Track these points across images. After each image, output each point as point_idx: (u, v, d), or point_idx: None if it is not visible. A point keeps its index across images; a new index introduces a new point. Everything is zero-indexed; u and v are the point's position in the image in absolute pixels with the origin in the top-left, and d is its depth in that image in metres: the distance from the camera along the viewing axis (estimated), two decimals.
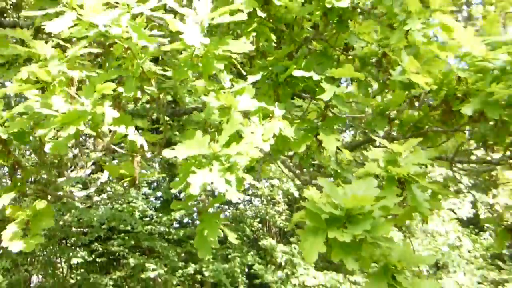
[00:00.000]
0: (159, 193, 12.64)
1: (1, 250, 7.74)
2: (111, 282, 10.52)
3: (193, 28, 1.77)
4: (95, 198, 12.36)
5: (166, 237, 11.53)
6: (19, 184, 2.38)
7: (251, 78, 2.31)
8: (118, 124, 1.88)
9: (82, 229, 11.35)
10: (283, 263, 10.67)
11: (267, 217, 12.70)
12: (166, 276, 10.83)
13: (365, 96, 2.59)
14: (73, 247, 11.59)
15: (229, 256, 11.30)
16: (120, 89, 1.91)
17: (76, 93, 1.86)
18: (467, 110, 2.09)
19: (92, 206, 12.08)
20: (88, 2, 1.85)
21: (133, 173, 2.28)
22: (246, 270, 11.16)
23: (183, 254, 11.68)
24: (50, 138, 1.93)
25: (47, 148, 1.81)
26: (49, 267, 10.88)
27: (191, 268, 11.01)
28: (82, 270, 11.69)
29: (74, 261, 10.95)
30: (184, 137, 1.90)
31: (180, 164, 1.93)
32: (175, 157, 1.78)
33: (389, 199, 1.97)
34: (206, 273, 10.73)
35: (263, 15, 2.34)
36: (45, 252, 10.02)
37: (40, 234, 2.34)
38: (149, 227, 11.15)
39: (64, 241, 11.76)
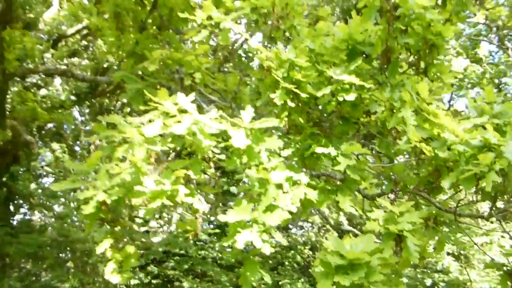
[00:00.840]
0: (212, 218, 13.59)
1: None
2: None
3: (239, 134, 2.61)
4: (152, 224, 13.56)
5: (218, 262, 12.40)
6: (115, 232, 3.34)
7: (284, 153, 3.13)
8: (188, 196, 2.76)
9: (140, 251, 12.39)
10: None
11: (318, 245, 13.24)
12: None
13: (376, 161, 3.30)
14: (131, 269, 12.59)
15: (280, 283, 11.94)
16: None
17: (159, 175, 2.77)
18: (445, 183, 2.74)
19: (150, 231, 13.27)
20: (170, 108, 2.77)
21: (196, 228, 3.15)
22: None
23: (234, 279, 12.46)
24: (140, 205, 2.85)
25: (141, 213, 2.70)
26: None
27: None
28: None
29: (132, 282, 11.89)
30: (235, 205, 2.75)
31: (230, 224, 2.76)
32: (227, 221, 2.62)
33: (386, 251, 2.68)
34: None
35: (292, 104, 3.15)
36: None
37: (129, 270, 3.27)
38: (202, 252, 12.09)
39: None
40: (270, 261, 12.58)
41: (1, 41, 5.94)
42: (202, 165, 2.82)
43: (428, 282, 12.16)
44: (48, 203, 10.46)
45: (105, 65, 9.63)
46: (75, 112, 11.77)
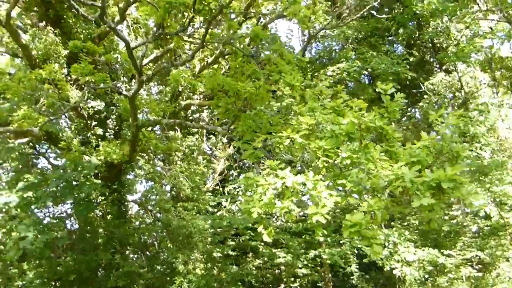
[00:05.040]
0: None
1: None
2: (253, 267, 15.10)
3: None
4: (224, 204, 16.98)
5: (288, 231, 15.78)
6: None
7: None
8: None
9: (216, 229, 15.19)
10: (386, 244, 14.14)
11: None
12: (293, 261, 15.10)
13: None
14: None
15: (341, 241, 15.16)
16: None
17: None
18: (414, 204, 5.42)
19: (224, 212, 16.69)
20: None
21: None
22: (356, 251, 14.92)
23: (303, 244, 15.84)
24: None
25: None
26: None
27: (311, 254, 15.18)
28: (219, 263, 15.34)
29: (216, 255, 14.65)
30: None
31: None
32: None
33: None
34: (324, 256, 14.80)
35: None
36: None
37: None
38: (274, 223, 15.51)
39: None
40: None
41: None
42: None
43: (474, 228, 14.88)
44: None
45: None
46: None
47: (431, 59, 20.17)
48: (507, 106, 16.15)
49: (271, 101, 7.28)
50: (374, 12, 17.90)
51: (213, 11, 7.00)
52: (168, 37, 9.85)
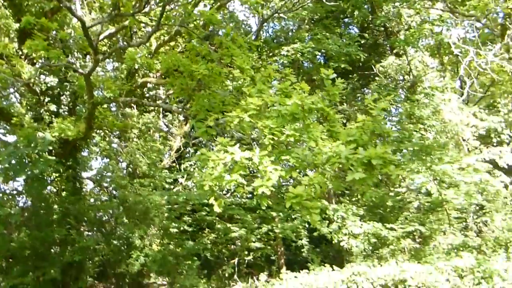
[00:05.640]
0: None
1: None
2: (208, 242, 15.72)
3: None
4: (181, 181, 17.40)
5: (243, 206, 16.43)
6: None
7: None
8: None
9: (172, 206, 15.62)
10: (335, 218, 15.07)
11: None
12: (247, 235, 15.81)
13: None
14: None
15: (293, 216, 15.98)
16: None
17: None
18: (348, 178, 6.09)
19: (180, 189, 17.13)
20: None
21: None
22: (306, 225, 15.80)
23: (257, 219, 16.57)
24: None
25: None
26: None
27: (265, 228, 15.94)
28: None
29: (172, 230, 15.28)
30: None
31: None
32: None
33: None
34: (276, 230, 15.60)
35: None
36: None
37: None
38: (229, 199, 16.10)
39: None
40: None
41: None
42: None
43: (416, 204, 16.09)
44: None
45: None
46: None
47: (384, 42, 21.10)
48: (451, 90, 17.33)
49: (225, 81, 7.72)
50: None
51: None
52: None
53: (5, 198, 12.08)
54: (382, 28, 20.29)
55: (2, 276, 11.81)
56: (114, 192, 14.43)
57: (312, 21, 18.90)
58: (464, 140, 16.42)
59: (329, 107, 6.04)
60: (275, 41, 19.06)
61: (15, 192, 12.78)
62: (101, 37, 11.44)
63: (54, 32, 11.30)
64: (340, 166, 5.65)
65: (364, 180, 5.39)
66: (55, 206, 12.53)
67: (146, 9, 8.17)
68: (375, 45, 20.91)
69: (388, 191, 16.01)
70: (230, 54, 6.67)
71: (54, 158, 11.42)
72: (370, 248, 14.66)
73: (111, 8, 8.11)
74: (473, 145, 16.23)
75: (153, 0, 8.87)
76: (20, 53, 11.08)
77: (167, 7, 7.88)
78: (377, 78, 18.81)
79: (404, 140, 15.62)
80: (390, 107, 18.13)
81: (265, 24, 16.71)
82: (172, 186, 16.71)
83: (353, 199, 16.54)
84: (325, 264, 14.13)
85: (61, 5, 6.86)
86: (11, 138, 13.45)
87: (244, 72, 6.41)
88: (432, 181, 14.79)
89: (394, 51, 19.43)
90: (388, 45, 20.43)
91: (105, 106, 11.12)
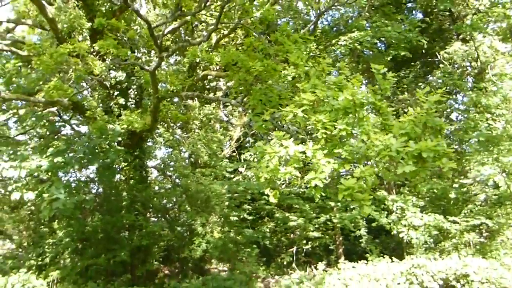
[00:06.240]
0: None
1: None
2: (267, 230, 16.21)
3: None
4: (241, 170, 18.00)
5: (301, 196, 16.74)
6: None
7: None
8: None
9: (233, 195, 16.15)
10: (394, 209, 14.99)
11: None
12: (305, 225, 16.13)
13: None
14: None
15: (351, 206, 16.06)
16: None
17: None
18: (398, 171, 6.18)
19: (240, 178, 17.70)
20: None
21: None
22: (365, 216, 15.83)
23: (316, 209, 16.82)
24: None
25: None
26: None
27: (323, 218, 16.17)
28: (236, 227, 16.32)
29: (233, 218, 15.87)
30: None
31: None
32: None
33: None
34: (335, 220, 15.78)
35: None
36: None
37: None
38: (287, 189, 16.46)
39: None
40: None
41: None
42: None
43: (482, 197, 15.59)
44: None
45: None
46: None
47: (450, 27, 20.34)
48: None
49: (281, 76, 8.05)
50: None
51: None
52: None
53: (81, 185, 13.22)
54: (447, 13, 19.56)
55: (78, 257, 13.00)
56: (177, 180, 15.29)
57: (373, 8, 18.63)
58: None
59: (381, 100, 6.19)
60: (334, 29, 19.02)
61: (87, 179, 13.97)
62: (164, 32, 12.18)
63: (124, 34, 12.17)
64: (392, 159, 5.82)
65: (415, 173, 5.53)
66: (124, 193, 13.53)
67: (207, 4, 8.61)
68: (440, 31, 20.23)
69: (452, 182, 15.60)
70: (286, 50, 6.97)
71: (122, 148, 12.36)
72: (432, 240, 14.47)
73: (173, 8, 8.66)
74: None
75: None
76: (92, 50, 12.03)
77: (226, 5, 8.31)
78: (441, 66, 18.25)
79: (470, 130, 15.15)
80: (447, 98, 17.53)
81: (324, 13, 16.76)
82: (232, 176, 17.36)
83: (414, 190, 16.31)
84: (384, 256, 14.18)
85: (129, 8, 7.47)
86: (83, 129, 14.64)
87: (298, 68, 6.68)
88: (500, 174, 14.29)
89: (460, 36, 18.70)
90: (454, 31, 19.68)
91: (168, 99, 11.84)
